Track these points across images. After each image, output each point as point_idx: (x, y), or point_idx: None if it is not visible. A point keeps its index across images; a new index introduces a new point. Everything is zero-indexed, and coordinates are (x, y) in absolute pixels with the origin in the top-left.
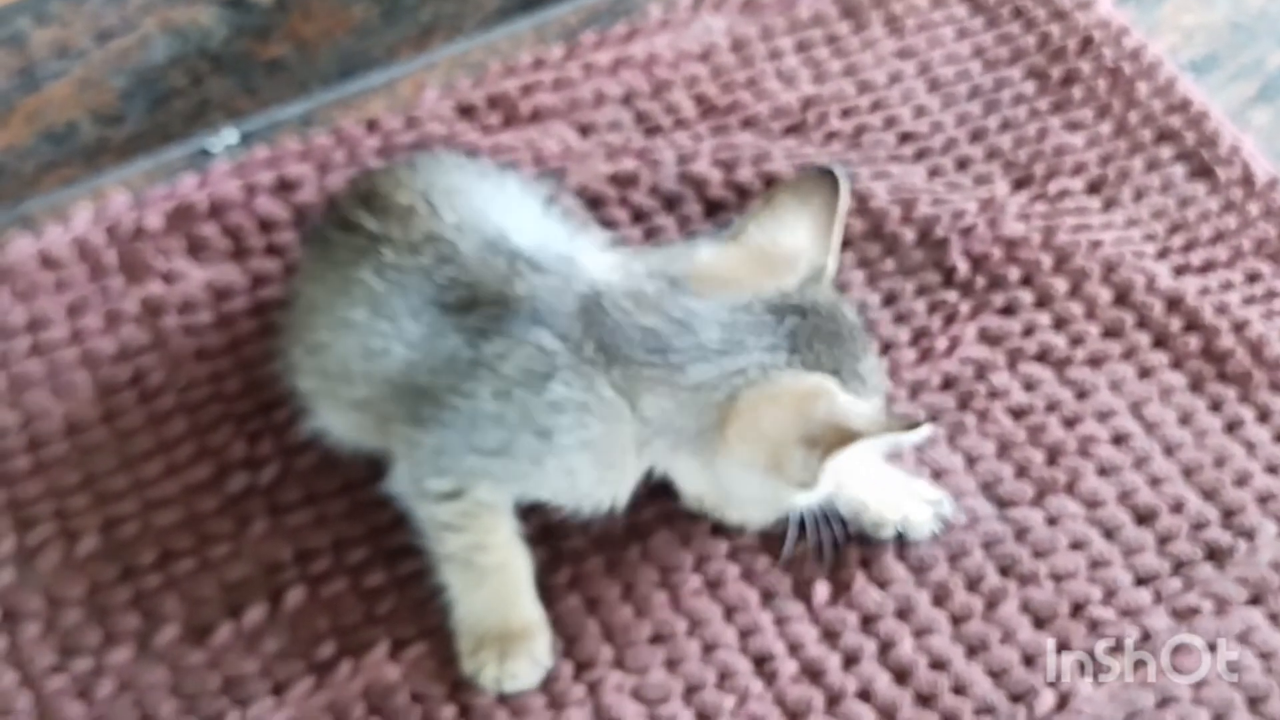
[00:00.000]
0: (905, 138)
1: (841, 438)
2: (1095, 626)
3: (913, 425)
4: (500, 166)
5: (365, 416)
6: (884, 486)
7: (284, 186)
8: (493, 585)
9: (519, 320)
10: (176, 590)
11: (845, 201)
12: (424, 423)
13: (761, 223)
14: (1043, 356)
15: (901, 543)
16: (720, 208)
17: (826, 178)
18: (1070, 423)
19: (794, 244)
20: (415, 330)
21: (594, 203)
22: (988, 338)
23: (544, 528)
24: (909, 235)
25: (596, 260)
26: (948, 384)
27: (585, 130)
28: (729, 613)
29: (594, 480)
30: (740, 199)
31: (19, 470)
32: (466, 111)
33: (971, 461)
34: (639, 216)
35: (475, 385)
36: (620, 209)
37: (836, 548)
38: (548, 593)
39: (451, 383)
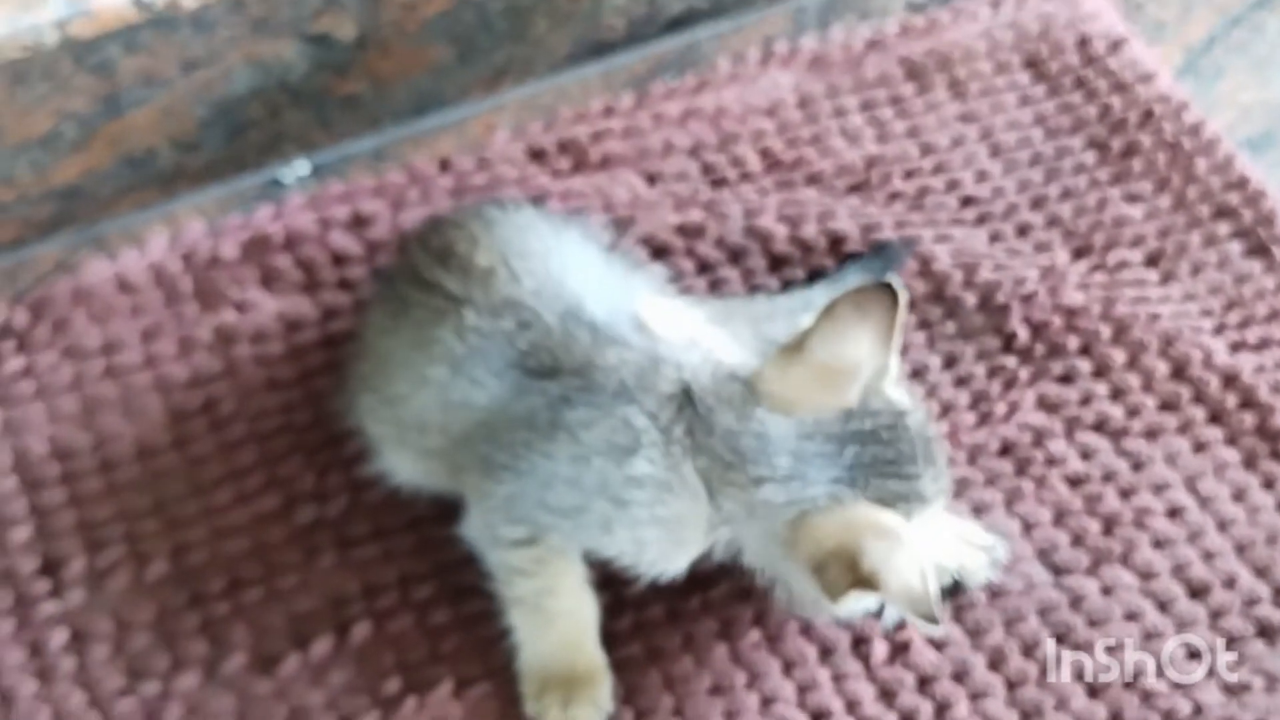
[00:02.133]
0: (967, 201)
1: (863, 583)
2: (1148, 698)
3: (930, 621)
4: (564, 218)
5: (437, 464)
6: (939, 539)
7: (358, 222)
8: (560, 630)
9: (607, 393)
10: (244, 619)
11: (905, 311)
12: (497, 474)
13: (824, 337)
14: (1100, 426)
15: (956, 590)
16: (784, 262)
17: (885, 291)
18: (1126, 493)
19: (855, 355)
20: (497, 388)
21: (660, 252)
22: (1046, 405)
23: (607, 574)
24: (970, 299)
25: (662, 318)
26: (1005, 449)
27: (653, 179)
28: (787, 667)
29: (661, 551)
30: (804, 254)
31: (90, 492)
32: (537, 155)
33: (1028, 527)
34: (704, 268)
35: (554, 447)
36: (686, 259)
37: None
38: (609, 638)
39: (529, 439)
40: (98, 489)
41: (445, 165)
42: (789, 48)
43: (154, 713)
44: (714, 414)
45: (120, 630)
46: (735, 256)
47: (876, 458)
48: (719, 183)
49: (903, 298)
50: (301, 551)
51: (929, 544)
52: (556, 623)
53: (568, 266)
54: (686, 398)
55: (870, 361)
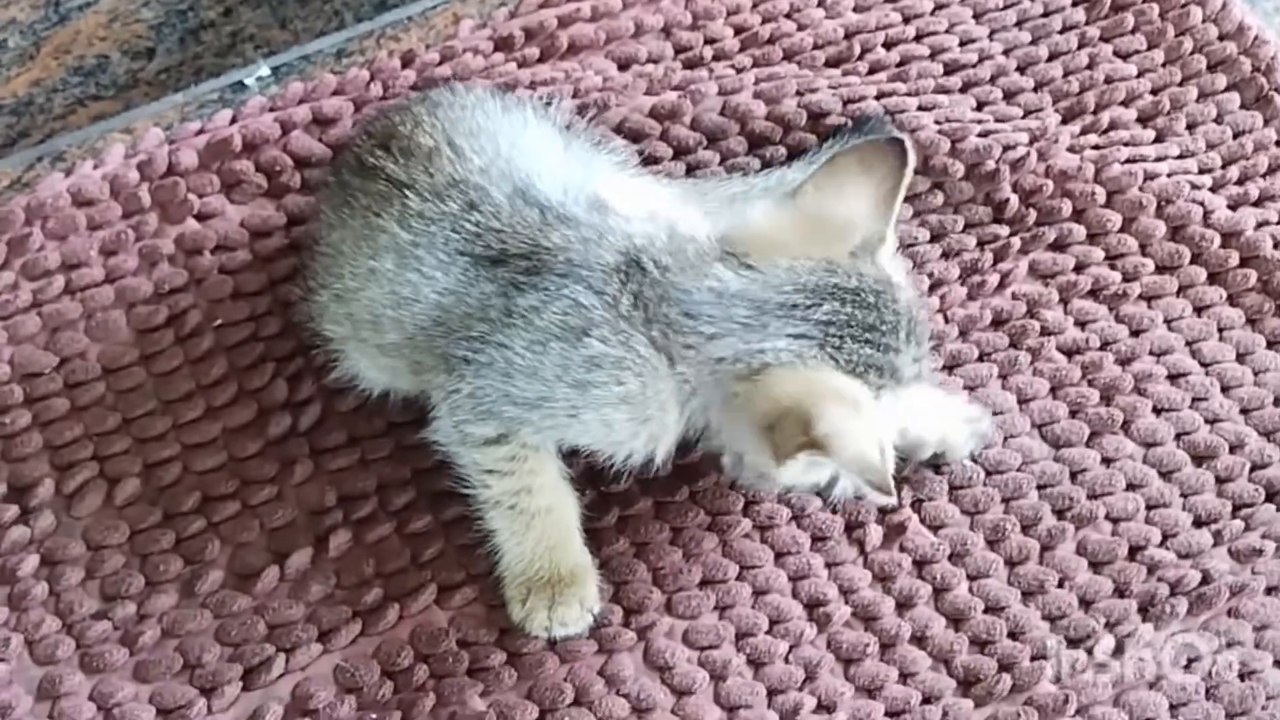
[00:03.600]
0: (952, 68)
1: (814, 446)
2: (1155, 569)
3: (884, 492)
4: (518, 98)
5: (397, 362)
6: (922, 407)
7: (319, 122)
8: (540, 530)
9: (554, 274)
10: (219, 535)
11: (910, 174)
12: (459, 370)
13: (820, 186)
14: (1096, 292)
15: (938, 463)
16: (764, 141)
17: (894, 147)
18: (1125, 360)
19: (851, 212)
20: (445, 279)
21: (635, 137)
22: (1039, 273)
23: (591, 470)
24: (958, 168)
25: (627, 197)
26: (999, 321)
27: (624, 64)
28: (780, 556)
29: (632, 433)
30: (784, 132)
31: (55, 413)
32: (504, 44)
33: (1024, 400)
34: (681, 151)
35: (510, 336)
36: (662, 143)
37: None
38: (594, 536)
39: (484, 331)
40: (63, 410)
41: (408, 59)
42: None
43: (130, 635)
44: (667, 277)
45: (92, 553)
46: (713, 138)
47: (855, 320)
48: (693, 63)
49: (911, 159)
50: (275, 464)
51: (894, 423)
52: (536, 523)
53: (519, 145)
54: (635, 266)
55: (867, 223)
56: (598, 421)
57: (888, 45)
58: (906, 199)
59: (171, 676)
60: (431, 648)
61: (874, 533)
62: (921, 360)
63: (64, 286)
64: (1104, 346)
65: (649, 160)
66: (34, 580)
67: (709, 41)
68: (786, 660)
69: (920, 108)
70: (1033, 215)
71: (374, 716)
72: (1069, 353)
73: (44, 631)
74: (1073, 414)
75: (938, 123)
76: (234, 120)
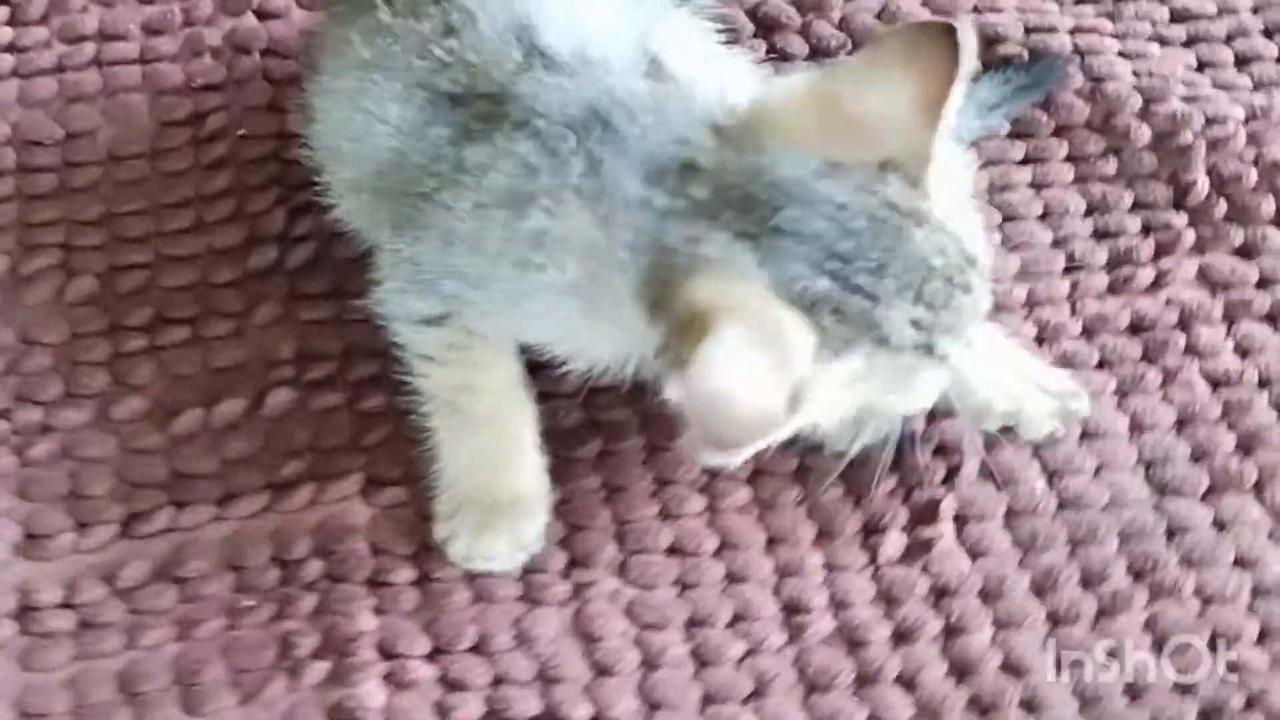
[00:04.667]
0: (1180, 15)
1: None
2: (1235, 671)
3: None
4: None
5: (361, 204)
6: (999, 366)
7: None
8: (481, 440)
9: (509, 123)
10: (157, 361)
11: (965, 73)
12: (404, 229)
13: (855, 75)
14: (1274, 318)
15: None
16: None
17: (945, 35)
18: None
19: (887, 111)
20: (400, 114)
21: (769, 27)
22: (1209, 280)
23: (583, 389)
24: (1144, 134)
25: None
26: (1138, 326)
27: None
28: (772, 542)
29: (585, 333)
30: None
31: (40, 188)
32: None
33: (1138, 428)
34: (818, 52)
35: (455, 195)
36: (798, 37)
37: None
38: (565, 467)
39: (432, 187)
40: (48, 187)
41: None
42: None
43: (23, 444)
44: (636, 138)
45: (22, 346)
46: (859, 43)
47: (823, 241)
48: None
49: (967, 53)
50: (244, 298)
51: (855, 392)
52: (476, 430)
53: None
54: (599, 122)
55: (905, 126)
56: (543, 313)
57: None
58: (1071, 158)
59: (52, 500)
60: (335, 543)
61: (893, 541)
62: (937, 335)
63: (93, 56)
64: (1263, 385)
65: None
66: None
67: None
68: (738, 665)
69: (1121, 53)
70: (1222, 208)
71: (250, 603)
72: (1215, 383)
73: None
74: (1195, 459)
75: (1136, 75)
76: None
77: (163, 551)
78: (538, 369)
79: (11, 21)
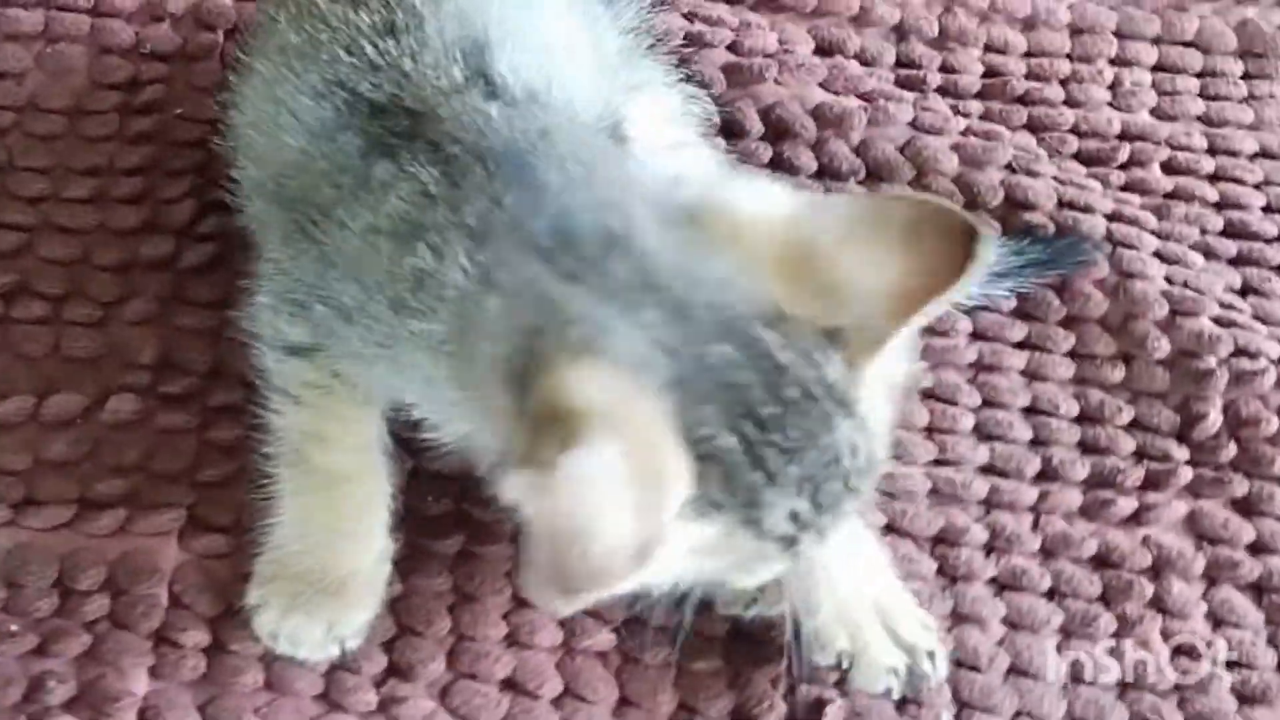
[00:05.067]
0: (1238, 230)
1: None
2: None
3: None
4: None
5: (260, 208)
6: (851, 590)
7: None
8: (323, 501)
9: (422, 143)
10: (5, 336)
11: (966, 285)
12: (292, 239)
13: (843, 223)
14: (1260, 590)
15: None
16: None
17: (961, 234)
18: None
19: (861, 281)
20: (313, 112)
21: (780, 133)
22: (1197, 530)
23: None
24: (1162, 347)
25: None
26: (1103, 561)
27: (825, 47)
28: (624, 703)
29: (452, 401)
30: (966, 206)
31: None
32: None
33: (1076, 679)
34: (829, 173)
35: (352, 213)
36: (809, 153)
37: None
38: (418, 558)
39: (330, 200)
40: None
41: None
42: None
43: None
44: (557, 186)
45: None
46: (875, 175)
47: (761, 416)
48: (909, 84)
49: (981, 261)
50: (121, 288)
51: (693, 560)
52: (321, 489)
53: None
54: (512, 158)
55: (872, 308)
56: (411, 367)
57: (1168, 169)
58: (1074, 354)
59: None
60: (131, 582)
61: None
62: (811, 528)
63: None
64: (1230, 667)
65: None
66: None
67: (945, 69)
68: None
69: (1159, 254)
70: (1230, 451)
71: (13, 628)
72: (1177, 650)
73: None
74: None
75: (1169, 281)
76: None
77: None
78: (413, 443)
79: None
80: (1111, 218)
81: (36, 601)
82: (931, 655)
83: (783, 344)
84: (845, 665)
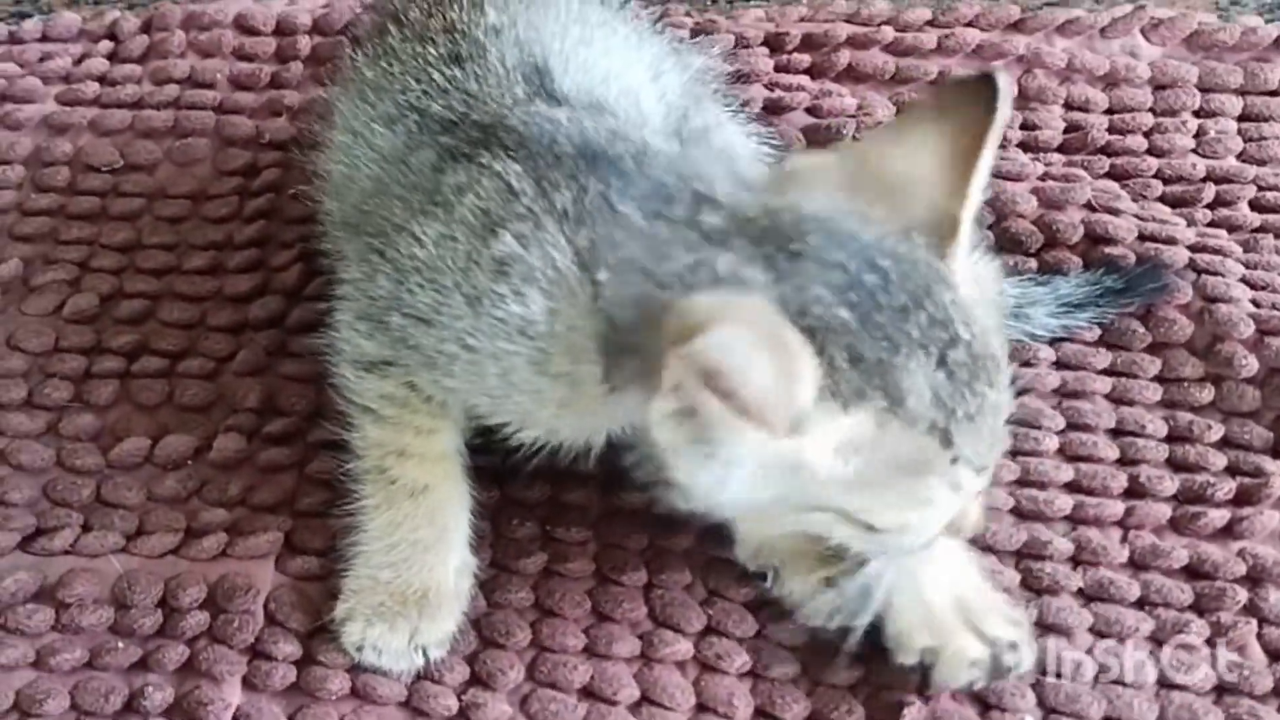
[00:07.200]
0: None
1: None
2: None
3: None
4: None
5: (341, 239)
6: (931, 589)
7: None
8: (406, 515)
9: (497, 147)
10: (124, 386)
11: (1001, 126)
12: (369, 259)
13: (885, 132)
14: None
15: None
16: (1015, 245)
17: (980, 87)
18: None
19: (916, 171)
20: (387, 139)
21: None
22: None
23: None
24: (1251, 366)
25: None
26: (1195, 572)
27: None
28: (701, 709)
29: (535, 389)
30: (1045, 244)
31: (81, 209)
32: (774, 41)
33: (1168, 685)
34: None
35: (425, 225)
36: None
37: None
38: (502, 577)
39: (404, 216)
40: (88, 209)
41: None
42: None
43: None
44: (639, 169)
45: (3, 349)
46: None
47: (864, 282)
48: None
49: (1003, 104)
50: (233, 344)
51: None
52: (404, 503)
53: (570, 30)
54: (597, 158)
55: (934, 189)
56: (489, 359)
57: (1256, 207)
58: (1163, 377)
59: None
60: (228, 600)
61: None
62: (958, 413)
63: (174, 98)
64: None
65: None
66: None
67: (1026, 126)
68: None
69: (1245, 280)
70: None
71: (119, 644)
72: (1275, 655)
73: None
74: None
75: (1256, 305)
76: None
77: (55, 572)
78: (497, 471)
79: (111, 56)
80: (1195, 249)
81: (142, 619)
82: (1015, 646)
83: (864, 227)
84: (929, 662)
